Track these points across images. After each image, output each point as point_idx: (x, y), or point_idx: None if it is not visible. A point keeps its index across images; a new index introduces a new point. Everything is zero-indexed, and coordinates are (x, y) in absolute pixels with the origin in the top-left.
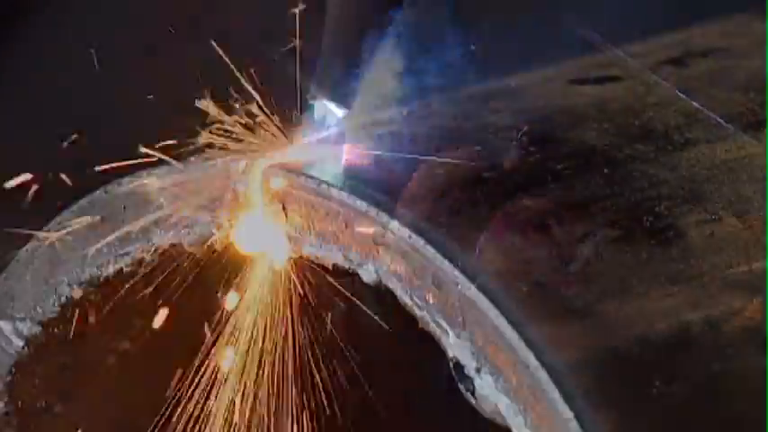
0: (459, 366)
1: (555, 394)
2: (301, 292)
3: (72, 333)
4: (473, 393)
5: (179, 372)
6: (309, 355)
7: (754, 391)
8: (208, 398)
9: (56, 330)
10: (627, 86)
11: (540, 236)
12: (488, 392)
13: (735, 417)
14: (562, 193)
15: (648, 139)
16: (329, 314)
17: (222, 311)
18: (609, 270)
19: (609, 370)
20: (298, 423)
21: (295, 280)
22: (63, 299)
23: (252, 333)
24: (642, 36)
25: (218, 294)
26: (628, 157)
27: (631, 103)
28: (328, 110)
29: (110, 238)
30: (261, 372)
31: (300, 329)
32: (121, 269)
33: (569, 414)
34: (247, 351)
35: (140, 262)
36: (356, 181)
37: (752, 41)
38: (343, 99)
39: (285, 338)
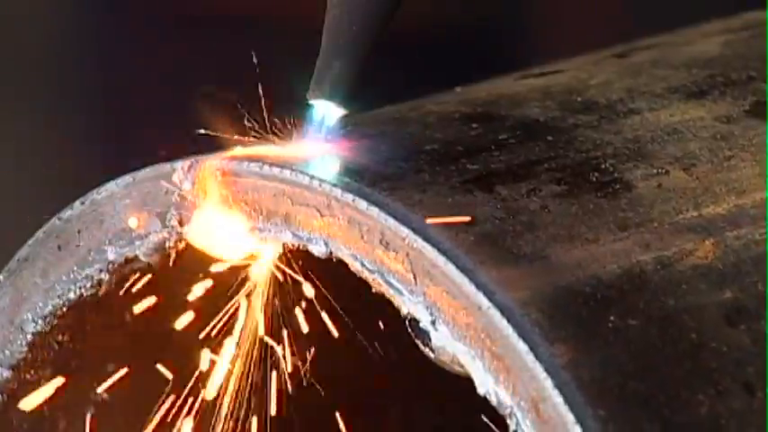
0: (414, 322)
1: (509, 330)
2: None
3: (45, 378)
4: (431, 347)
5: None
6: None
7: (711, 323)
8: None
9: (28, 376)
10: (570, 75)
11: (484, 194)
12: (445, 343)
13: (692, 347)
14: (505, 158)
15: (591, 111)
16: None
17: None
18: (556, 220)
19: (562, 307)
20: None
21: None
22: (29, 336)
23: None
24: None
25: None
26: (571, 125)
27: (574, 86)
28: (327, 110)
29: (69, 265)
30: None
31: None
32: (82, 294)
33: (524, 347)
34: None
35: (99, 283)
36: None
37: (697, 34)
38: (342, 99)
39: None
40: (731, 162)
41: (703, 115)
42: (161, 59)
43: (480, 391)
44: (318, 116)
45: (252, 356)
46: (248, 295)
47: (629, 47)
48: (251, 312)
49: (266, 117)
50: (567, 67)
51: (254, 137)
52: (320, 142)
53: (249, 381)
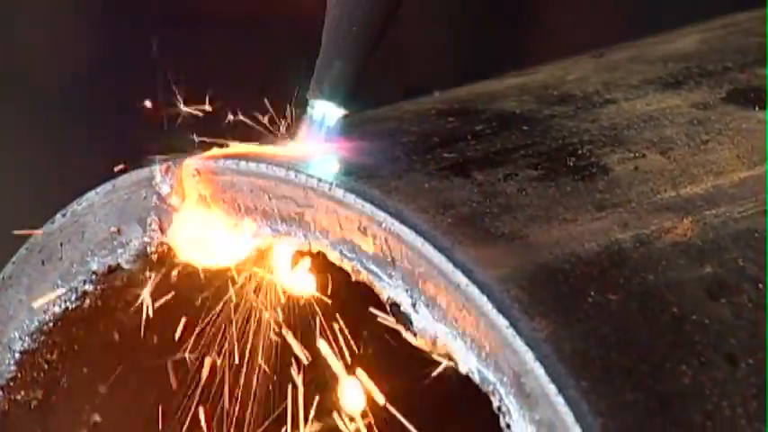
0: (395, 306)
1: (488, 307)
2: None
3: (36, 398)
4: (413, 331)
5: None
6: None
7: (692, 297)
8: None
9: (18, 396)
10: (547, 73)
11: (461, 179)
12: (426, 324)
13: (674, 320)
14: (482, 147)
15: (567, 102)
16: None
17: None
18: (533, 202)
19: (541, 283)
20: None
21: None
22: (17, 355)
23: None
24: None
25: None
26: (547, 116)
27: (551, 82)
28: (327, 110)
29: (53, 279)
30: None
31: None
32: (67, 308)
33: (504, 322)
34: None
35: (84, 295)
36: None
37: (675, 34)
38: (342, 99)
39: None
40: (708, 145)
41: (679, 103)
42: (161, 60)
43: (463, 369)
44: (318, 116)
45: (245, 369)
46: (240, 307)
47: (608, 49)
48: (244, 326)
49: (265, 117)
50: (545, 68)
51: (253, 137)
52: (300, 140)
53: (241, 397)
